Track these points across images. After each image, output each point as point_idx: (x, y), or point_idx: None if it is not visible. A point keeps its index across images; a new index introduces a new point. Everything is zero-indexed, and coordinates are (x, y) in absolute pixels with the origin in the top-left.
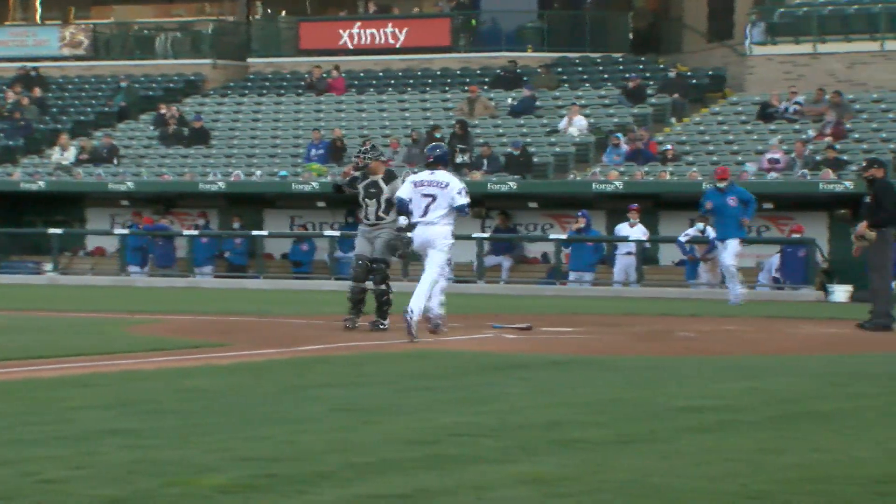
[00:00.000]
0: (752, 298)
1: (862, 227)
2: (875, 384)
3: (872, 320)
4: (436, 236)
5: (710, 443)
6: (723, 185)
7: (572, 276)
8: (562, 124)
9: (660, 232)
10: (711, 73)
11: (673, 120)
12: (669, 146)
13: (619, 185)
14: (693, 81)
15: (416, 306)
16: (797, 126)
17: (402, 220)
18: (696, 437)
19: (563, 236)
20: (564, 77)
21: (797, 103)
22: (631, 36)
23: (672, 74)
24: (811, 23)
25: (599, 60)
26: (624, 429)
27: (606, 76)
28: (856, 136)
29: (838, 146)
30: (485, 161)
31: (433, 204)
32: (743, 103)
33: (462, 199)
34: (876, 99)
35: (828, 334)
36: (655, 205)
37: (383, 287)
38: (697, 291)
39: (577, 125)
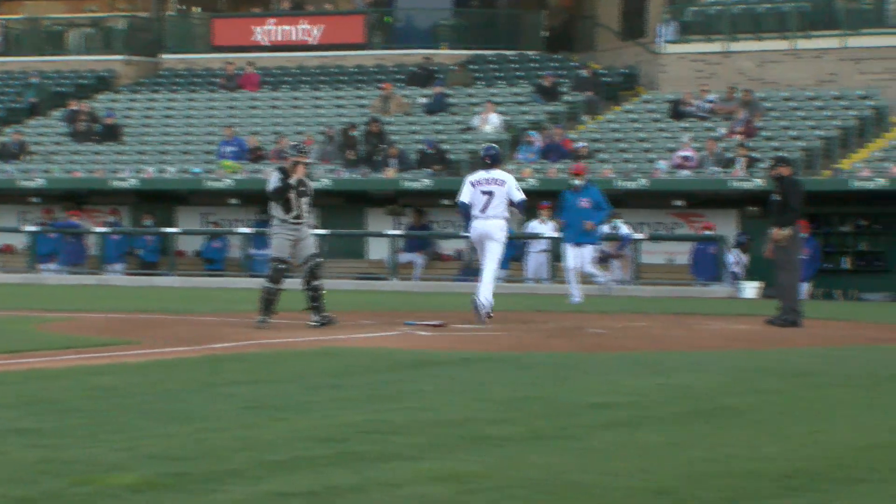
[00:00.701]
0: (664, 295)
1: (775, 233)
2: (782, 380)
3: (780, 316)
4: (495, 229)
5: (621, 439)
6: (578, 182)
7: None
8: (476, 122)
9: None
10: (624, 71)
11: (587, 118)
12: (583, 144)
13: (534, 182)
14: (606, 79)
15: (485, 296)
16: (709, 124)
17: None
18: (606, 433)
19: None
20: (479, 75)
21: (709, 101)
22: (545, 34)
23: (585, 73)
24: (723, 22)
25: (514, 58)
26: (536, 425)
27: (521, 74)
28: (766, 134)
29: (749, 144)
30: (394, 160)
31: (492, 201)
32: (656, 101)
33: (521, 195)
34: (786, 97)
35: (737, 331)
36: None
37: (317, 283)
38: (608, 288)
39: (491, 123)
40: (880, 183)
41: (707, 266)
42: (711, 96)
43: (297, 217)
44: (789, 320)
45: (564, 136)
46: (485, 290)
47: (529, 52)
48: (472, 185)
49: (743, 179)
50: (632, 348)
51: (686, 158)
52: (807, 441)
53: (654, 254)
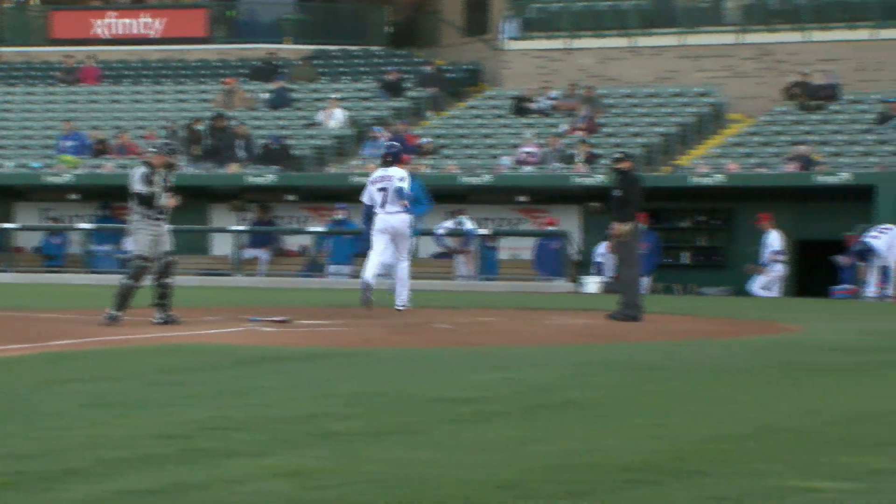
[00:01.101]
0: (508, 290)
1: (616, 228)
2: (623, 373)
3: (621, 311)
4: (399, 224)
5: (465, 434)
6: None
7: (331, 268)
8: (320, 117)
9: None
10: (468, 67)
11: (431, 113)
12: (427, 139)
13: None
14: (450, 75)
15: (371, 275)
16: (551, 120)
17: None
18: (451, 428)
19: (322, 229)
20: (323, 70)
21: (551, 98)
22: (389, 29)
23: (429, 69)
24: (564, 19)
25: (358, 53)
26: (381, 421)
27: (365, 69)
28: (607, 130)
29: (591, 140)
30: (243, 153)
31: (388, 196)
32: (499, 97)
33: (404, 185)
34: (626, 94)
35: (579, 325)
36: None
37: (169, 281)
38: (455, 284)
39: (335, 118)
40: (718, 179)
41: (550, 261)
42: (554, 93)
43: (160, 213)
44: (630, 315)
45: (409, 131)
46: (400, 285)
47: (374, 48)
48: (370, 183)
49: (585, 175)
50: (477, 343)
51: (529, 154)
52: (648, 434)
53: (502, 249)
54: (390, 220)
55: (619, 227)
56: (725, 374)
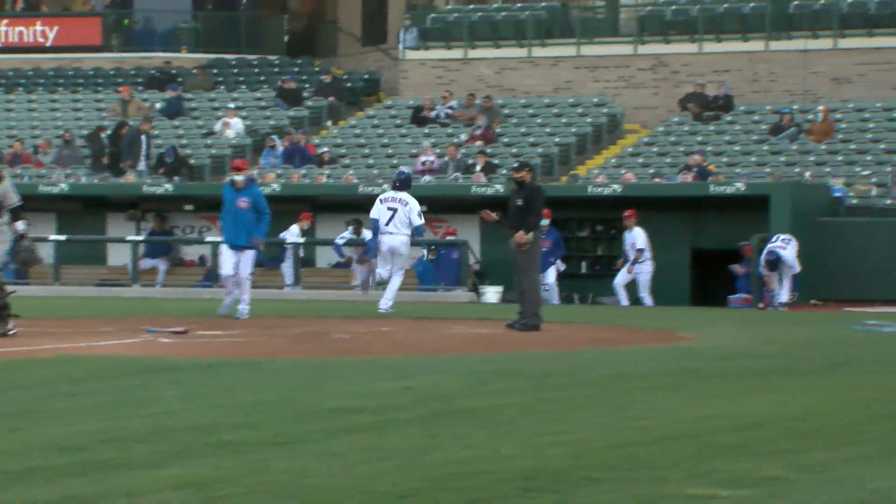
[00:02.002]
0: (407, 300)
1: (518, 236)
2: (521, 382)
3: (521, 320)
4: (400, 244)
5: (365, 442)
6: (238, 178)
7: None
8: (218, 126)
9: (317, 234)
10: (366, 76)
11: (329, 122)
12: (326, 149)
13: (277, 187)
14: (349, 84)
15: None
16: (450, 130)
17: (21, 226)
18: (350, 437)
19: (221, 239)
20: (220, 79)
21: (450, 107)
22: (287, 38)
23: (327, 78)
24: (462, 29)
25: (255, 62)
26: (279, 430)
27: (263, 78)
28: (506, 140)
29: (489, 150)
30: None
31: (395, 217)
32: (397, 107)
33: (420, 220)
34: (524, 104)
35: (479, 334)
36: (311, 207)
37: (6, 292)
38: (354, 294)
39: (233, 127)
40: (615, 189)
41: (450, 271)
42: (452, 102)
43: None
44: (530, 324)
45: (307, 140)
46: (390, 292)
47: (271, 57)
48: (381, 201)
49: (483, 185)
50: (376, 353)
51: (428, 164)
52: (549, 441)
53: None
54: (393, 240)
55: (521, 237)
56: (625, 382)
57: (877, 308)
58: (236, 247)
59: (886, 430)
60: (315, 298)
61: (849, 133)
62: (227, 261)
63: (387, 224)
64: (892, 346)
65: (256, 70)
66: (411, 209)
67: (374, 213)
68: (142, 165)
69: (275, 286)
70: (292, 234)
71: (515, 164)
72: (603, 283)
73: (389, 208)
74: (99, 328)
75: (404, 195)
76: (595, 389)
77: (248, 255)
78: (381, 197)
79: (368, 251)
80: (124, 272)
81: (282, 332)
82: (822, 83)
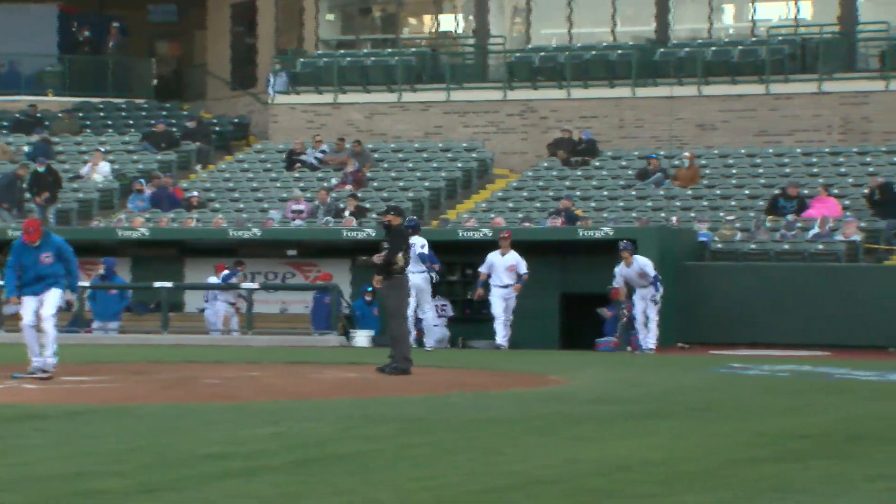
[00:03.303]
0: (278, 345)
1: (375, 280)
2: (392, 426)
3: (391, 364)
4: (421, 280)
5: (235, 489)
6: (34, 243)
7: (97, 323)
8: (85, 170)
9: (185, 279)
10: (236, 120)
11: (198, 166)
12: (195, 193)
13: (145, 231)
14: (218, 128)
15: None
16: (320, 174)
17: None
18: (221, 484)
19: (87, 284)
20: (87, 122)
21: (321, 152)
22: (155, 82)
23: (194, 123)
24: (332, 73)
25: (123, 106)
26: (148, 477)
27: (130, 122)
28: (376, 184)
29: (360, 194)
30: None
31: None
32: (267, 151)
33: (427, 252)
34: (395, 149)
35: (349, 379)
36: (180, 251)
37: None
38: (224, 338)
39: (101, 171)
40: (485, 233)
41: (322, 315)
42: (323, 147)
43: None
44: (400, 368)
45: (175, 184)
46: (427, 330)
47: (139, 100)
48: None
49: (354, 229)
50: (246, 398)
51: (298, 212)
52: (417, 487)
53: (268, 303)
54: (413, 279)
55: (375, 280)
56: (493, 426)
57: (741, 351)
58: (35, 294)
59: (748, 474)
60: (183, 343)
61: (713, 179)
62: (28, 309)
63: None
64: (754, 389)
65: (124, 113)
66: (424, 246)
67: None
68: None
69: (142, 331)
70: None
71: (382, 209)
72: (474, 327)
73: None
74: None
75: (416, 238)
76: (464, 434)
77: (51, 294)
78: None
79: (241, 295)
80: None
81: (150, 378)
82: (688, 129)
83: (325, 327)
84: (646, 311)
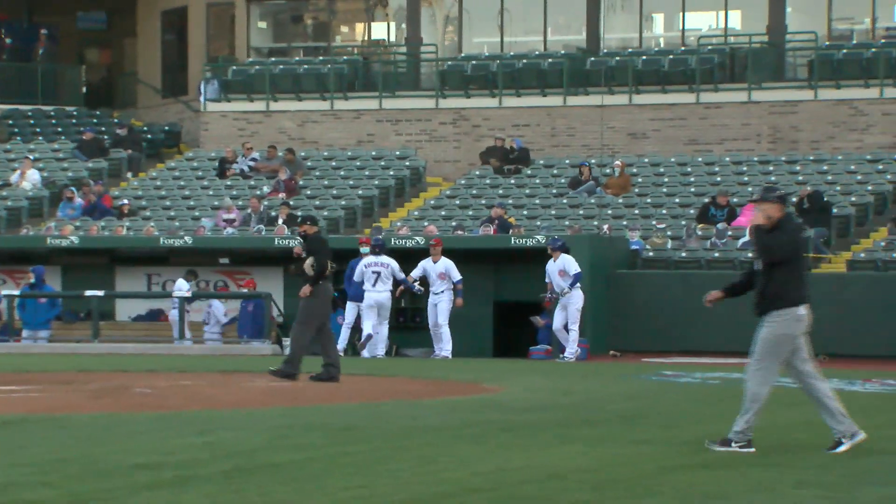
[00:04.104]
0: (209, 353)
1: (305, 290)
2: (324, 435)
3: (323, 373)
4: (384, 299)
5: (166, 499)
6: None
7: (26, 332)
8: (14, 178)
9: (116, 287)
10: (167, 128)
11: (129, 175)
12: (126, 201)
13: (75, 239)
14: (149, 136)
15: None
16: (252, 182)
17: None
18: (151, 495)
19: (16, 292)
20: (16, 130)
21: (253, 160)
22: (85, 89)
23: (122, 131)
24: (264, 81)
25: (52, 113)
26: (78, 488)
27: (60, 130)
28: (309, 192)
29: (292, 202)
30: None
31: (380, 278)
32: (199, 158)
33: (400, 273)
34: (327, 157)
35: (281, 387)
36: (111, 260)
37: None
38: (156, 347)
39: (30, 179)
40: (418, 241)
41: (253, 323)
42: (254, 154)
43: None
44: (283, 372)
45: (106, 193)
46: (381, 342)
47: (69, 108)
48: (365, 266)
49: (286, 238)
50: (177, 407)
51: (230, 221)
52: (351, 496)
53: (199, 311)
54: (379, 296)
55: (305, 289)
56: (428, 434)
57: (673, 359)
58: None
59: (679, 481)
60: (115, 352)
61: (645, 187)
62: None
63: (373, 285)
64: (685, 397)
65: (53, 121)
66: (393, 269)
67: (356, 276)
68: None
69: (73, 340)
70: (181, 289)
71: (299, 219)
72: (407, 335)
73: (374, 272)
74: None
75: (385, 258)
76: (397, 442)
77: None
78: (364, 262)
79: (176, 303)
80: None
81: (81, 387)
82: (619, 138)
83: (251, 335)
84: (565, 319)
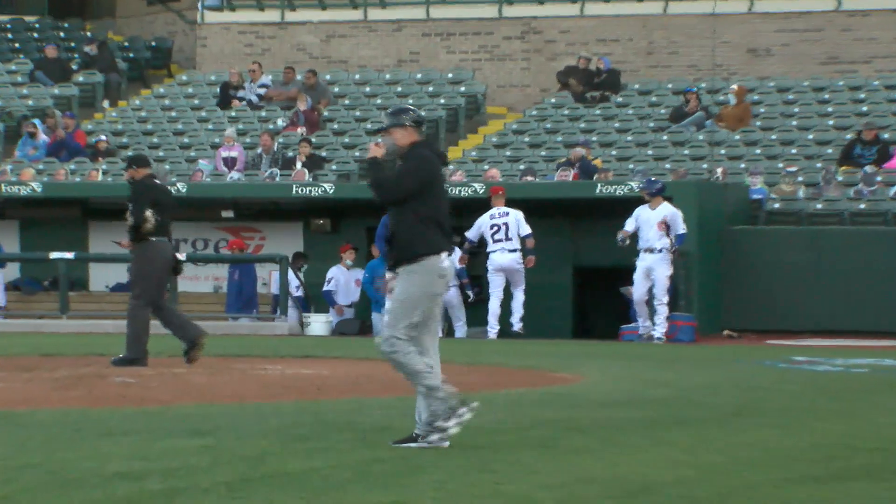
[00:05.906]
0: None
1: (125, 242)
2: (351, 438)
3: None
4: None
5: None
6: None
7: None
8: None
9: (91, 247)
10: (154, 44)
11: (106, 104)
12: (102, 137)
13: (37, 186)
14: (130, 54)
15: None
16: (263, 114)
17: None
18: None
19: None
20: None
21: (263, 85)
22: None
23: (91, 49)
24: None
25: (9, 26)
26: (43, 501)
27: (18, 47)
28: (335, 126)
29: (314, 139)
30: None
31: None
32: (195, 83)
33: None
34: (359, 81)
35: (299, 375)
36: (84, 213)
37: None
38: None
39: None
40: (477, 189)
41: (235, 294)
42: (266, 79)
43: None
44: (127, 359)
45: (77, 127)
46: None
47: (29, 19)
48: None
49: (308, 184)
50: (167, 401)
51: (232, 160)
52: None
53: (197, 280)
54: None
55: (124, 242)
56: (482, 436)
57: (806, 340)
58: None
59: (803, 497)
60: (88, 330)
61: (769, 119)
62: None
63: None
64: (818, 389)
65: (10, 36)
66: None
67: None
68: None
69: (34, 315)
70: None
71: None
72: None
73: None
74: None
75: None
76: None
77: None
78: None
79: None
80: None
81: (45, 376)
82: (736, 56)
83: (237, 310)
84: (651, 288)
